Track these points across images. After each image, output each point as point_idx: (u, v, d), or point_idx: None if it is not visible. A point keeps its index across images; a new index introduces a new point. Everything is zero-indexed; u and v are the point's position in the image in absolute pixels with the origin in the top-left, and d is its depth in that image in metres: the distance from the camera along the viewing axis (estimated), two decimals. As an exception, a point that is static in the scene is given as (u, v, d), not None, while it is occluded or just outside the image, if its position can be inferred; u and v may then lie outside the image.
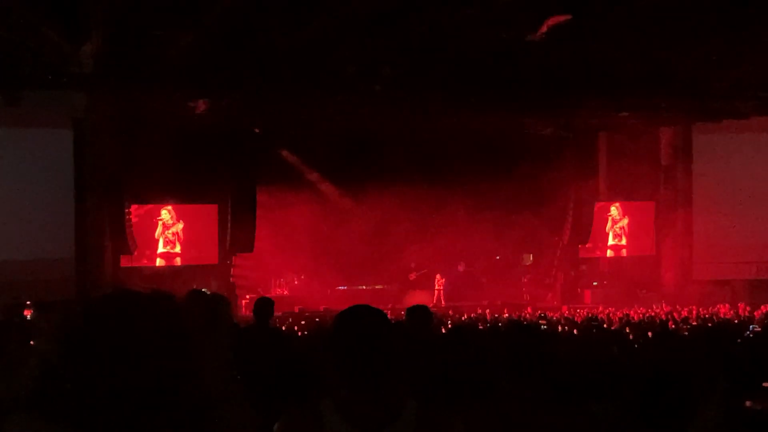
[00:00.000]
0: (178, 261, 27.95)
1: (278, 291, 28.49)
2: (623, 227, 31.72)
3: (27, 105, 21.96)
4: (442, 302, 29.15)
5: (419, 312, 7.89)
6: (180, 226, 27.82)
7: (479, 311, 25.81)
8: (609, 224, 31.74)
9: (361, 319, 3.30)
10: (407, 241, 28.98)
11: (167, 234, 27.74)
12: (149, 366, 1.86)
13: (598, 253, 31.75)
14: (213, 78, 21.35)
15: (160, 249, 27.69)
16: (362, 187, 28.87)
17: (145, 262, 27.17)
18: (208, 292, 9.00)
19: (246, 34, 20.32)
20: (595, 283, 31.47)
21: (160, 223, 27.62)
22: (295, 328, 20.34)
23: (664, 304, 26.92)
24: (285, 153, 28.24)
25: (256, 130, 26.95)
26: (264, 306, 9.13)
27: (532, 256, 31.67)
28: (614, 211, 31.67)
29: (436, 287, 30.03)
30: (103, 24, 19.08)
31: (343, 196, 29.47)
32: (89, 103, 22.42)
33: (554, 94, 23.47)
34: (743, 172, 28.24)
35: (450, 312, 25.78)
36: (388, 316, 3.45)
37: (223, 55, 20.83)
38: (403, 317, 7.79)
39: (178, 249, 27.83)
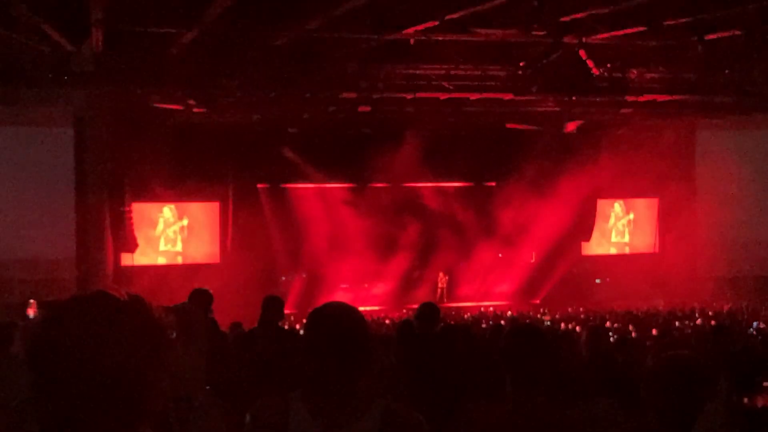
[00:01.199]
0: (179, 259, 27.95)
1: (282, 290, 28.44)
2: (627, 224, 31.69)
3: (27, 104, 21.95)
4: (445, 300, 29.10)
5: (428, 310, 7.85)
6: (182, 223, 27.82)
7: (482, 309, 25.79)
8: (612, 221, 31.72)
9: (332, 316, 3.27)
10: (409, 238, 28.92)
11: (168, 232, 27.73)
12: (106, 371, 1.82)
13: (602, 250, 31.72)
14: (213, 75, 21.30)
15: (162, 247, 27.69)
16: (364, 184, 28.88)
17: (147, 260, 27.16)
18: (210, 291, 8.90)
19: (245, 32, 20.30)
20: (598, 281, 31.43)
21: (161, 220, 27.62)
22: (297, 327, 20.31)
23: (668, 301, 26.88)
24: (286, 150, 28.17)
25: (257, 129, 26.89)
26: (273, 304, 8.80)
27: (535, 254, 31.59)
28: (618, 208, 31.64)
29: (439, 285, 30.00)
30: (104, 22, 19.05)
31: (345, 192, 29.41)
32: (90, 101, 22.38)
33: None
34: (747, 168, 28.18)
35: (452, 312, 25.74)
36: (390, 314, 3.42)
37: (224, 53, 20.81)
38: (406, 316, 7.78)
39: (179, 247, 27.83)
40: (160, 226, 27.45)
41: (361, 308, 3.62)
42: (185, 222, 28.04)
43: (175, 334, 1.82)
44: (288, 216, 28.77)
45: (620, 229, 31.73)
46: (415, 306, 8.20)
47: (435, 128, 26.10)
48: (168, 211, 27.67)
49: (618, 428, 4.47)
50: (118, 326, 1.86)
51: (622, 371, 5.62)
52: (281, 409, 3.18)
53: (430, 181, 29.42)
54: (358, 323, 3.25)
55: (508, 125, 28.14)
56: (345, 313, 3.28)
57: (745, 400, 4.68)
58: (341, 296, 28.27)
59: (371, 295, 29.59)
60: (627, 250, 31.77)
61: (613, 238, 31.71)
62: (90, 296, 1.93)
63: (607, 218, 31.48)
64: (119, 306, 1.91)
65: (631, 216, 31.79)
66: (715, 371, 4.80)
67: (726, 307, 24.38)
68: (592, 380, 5.37)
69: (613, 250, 31.83)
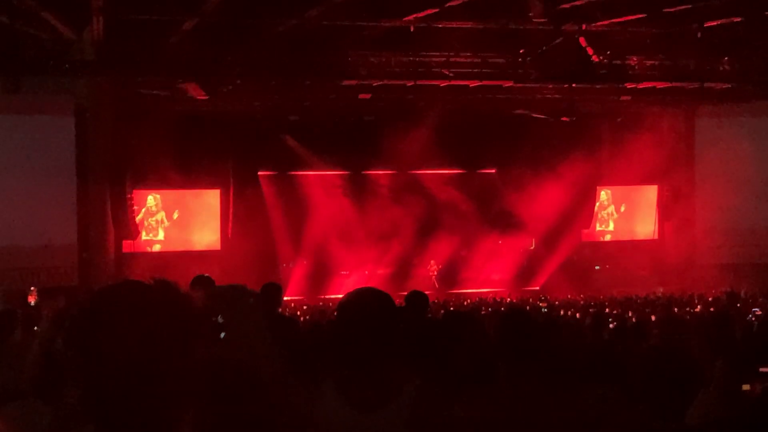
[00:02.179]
0: (157, 247, 27.91)
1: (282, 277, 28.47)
2: (625, 211, 31.72)
3: (28, 92, 21.96)
4: (436, 287, 29.12)
5: (416, 298, 7.90)
6: (165, 213, 27.85)
7: (476, 299, 25.79)
8: (611, 208, 31.74)
9: (364, 301, 3.33)
10: (409, 225, 28.93)
11: (150, 221, 27.75)
12: (153, 356, 1.87)
13: (600, 236, 31.77)
14: (214, 63, 21.32)
15: (160, 236, 27.74)
16: (364, 171, 28.95)
17: (148, 248, 27.22)
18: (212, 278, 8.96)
19: (246, 20, 20.32)
20: (597, 267, 31.49)
21: (143, 210, 27.64)
22: (298, 313, 20.38)
23: (667, 288, 26.93)
24: (287, 138, 28.19)
25: (258, 116, 26.91)
26: (271, 292, 8.88)
27: (534, 241, 31.62)
28: (616, 195, 31.67)
29: (429, 273, 29.99)
30: (104, 10, 19.08)
31: (346, 180, 29.42)
32: (91, 89, 22.41)
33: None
34: (745, 155, 28.16)
35: (452, 299, 25.78)
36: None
37: (225, 41, 20.83)
38: (398, 303, 7.79)
39: (161, 236, 27.88)
40: (140, 216, 27.36)
41: None
42: (175, 215, 28.03)
43: (221, 319, 1.86)
44: (288, 203, 28.79)
45: (619, 216, 31.76)
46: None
47: (435, 115, 26.10)
48: (152, 199, 27.66)
49: (611, 415, 4.53)
50: (154, 314, 1.90)
51: (620, 358, 5.68)
52: (311, 397, 3.21)
53: (431, 168, 29.43)
54: (390, 308, 3.32)
55: (515, 111, 28.14)
56: (375, 298, 3.34)
57: (745, 387, 4.74)
58: (341, 282, 28.39)
59: (371, 281, 29.65)
60: (626, 237, 31.76)
61: (612, 226, 31.76)
62: (123, 285, 1.98)
63: (606, 206, 31.52)
64: (153, 294, 1.95)
65: (630, 204, 31.78)
66: (710, 358, 4.87)
67: (725, 294, 24.41)
68: (588, 367, 5.43)
69: (611, 237, 31.86)
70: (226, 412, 2.92)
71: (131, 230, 25.40)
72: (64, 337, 1.92)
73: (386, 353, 3.25)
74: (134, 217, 25.63)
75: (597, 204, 31.37)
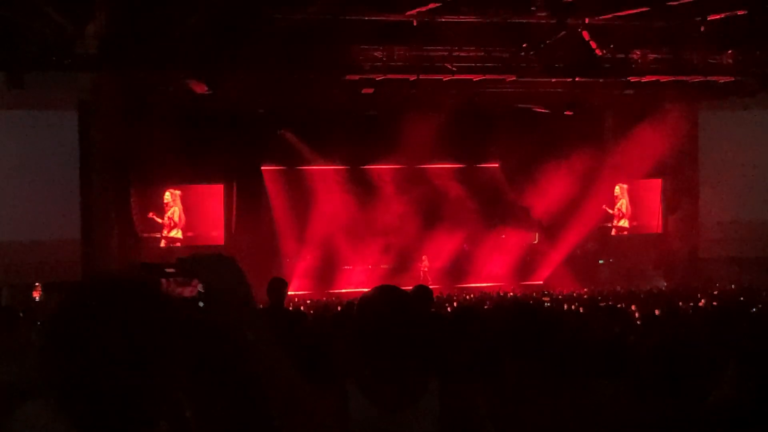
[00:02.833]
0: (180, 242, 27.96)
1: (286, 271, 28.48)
2: (630, 205, 31.70)
3: (32, 87, 21.94)
4: (429, 283, 29.11)
5: (421, 293, 7.90)
6: (177, 210, 27.86)
7: (479, 293, 25.77)
8: (615, 202, 31.73)
9: (385, 299, 3.30)
10: (413, 219, 28.94)
11: (167, 216, 27.79)
12: (129, 350, 1.89)
13: (616, 231, 31.77)
14: (217, 58, 21.32)
15: (165, 232, 27.75)
16: (367, 165, 28.96)
17: (151, 242, 27.22)
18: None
19: (249, 15, 20.30)
20: (601, 261, 31.47)
21: (165, 205, 27.69)
22: (302, 308, 20.38)
23: (671, 282, 26.93)
24: (286, 133, 28.17)
25: (260, 111, 26.92)
26: (278, 286, 8.95)
27: (537, 235, 31.60)
28: (620, 189, 31.64)
29: (422, 268, 29.95)
30: (107, 5, 19.07)
31: (349, 174, 29.41)
32: (94, 84, 22.40)
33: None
34: (749, 149, 28.14)
35: (455, 293, 25.79)
36: None
37: (227, 35, 20.81)
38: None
39: (179, 233, 27.88)
40: (169, 212, 27.47)
41: (364, 289, 3.66)
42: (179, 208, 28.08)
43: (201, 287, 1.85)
44: (292, 198, 28.80)
45: (623, 210, 31.74)
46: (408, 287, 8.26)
47: (438, 110, 26.07)
48: (169, 195, 27.70)
49: (618, 411, 4.52)
50: (131, 306, 1.92)
51: (626, 353, 5.67)
52: (338, 398, 3.20)
53: (434, 163, 29.44)
54: (410, 305, 3.30)
55: (519, 105, 28.11)
56: (396, 296, 3.33)
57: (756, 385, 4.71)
58: (344, 277, 28.43)
59: (374, 275, 29.69)
60: (630, 231, 31.76)
61: (616, 220, 31.76)
62: (101, 279, 1.99)
63: (610, 199, 31.50)
64: (130, 286, 1.97)
65: (634, 197, 31.75)
66: (722, 353, 4.84)
67: (729, 288, 24.41)
68: (595, 362, 5.42)
69: (616, 231, 31.84)
70: (212, 379, 2.91)
71: (135, 225, 25.42)
72: (40, 334, 1.94)
73: (410, 351, 3.23)
74: (137, 212, 25.64)
75: (615, 197, 31.39)
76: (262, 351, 2.12)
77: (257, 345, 2.12)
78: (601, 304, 15.51)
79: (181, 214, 27.95)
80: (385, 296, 3.33)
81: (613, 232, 31.79)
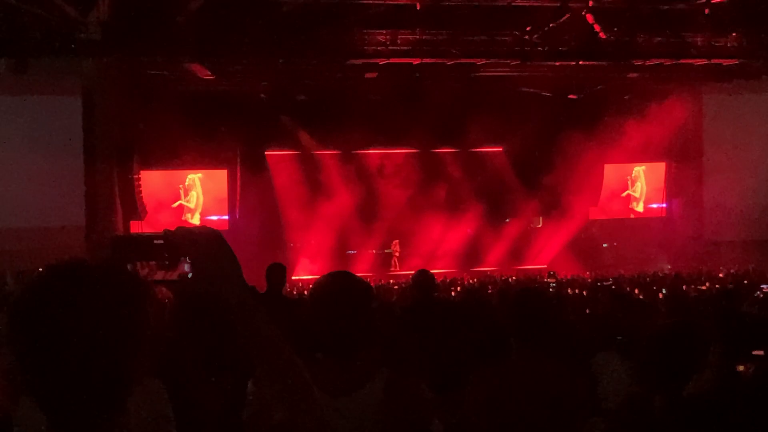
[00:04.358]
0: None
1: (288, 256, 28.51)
2: (633, 188, 31.70)
3: (35, 73, 21.94)
4: (398, 268, 29.09)
5: (422, 278, 7.92)
6: (196, 194, 27.99)
7: (483, 277, 25.80)
8: (618, 186, 31.72)
9: (335, 284, 3.33)
10: (416, 206, 28.96)
11: (185, 200, 27.90)
12: (93, 334, 1.89)
13: (608, 214, 31.76)
14: (220, 43, 21.30)
15: (187, 216, 27.85)
16: (370, 151, 28.97)
17: (155, 228, 27.23)
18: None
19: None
20: (605, 245, 31.48)
21: (181, 189, 27.78)
22: (305, 293, 20.41)
23: (675, 265, 26.92)
24: (285, 119, 28.17)
25: (262, 96, 26.94)
26: (276, 272, 9.00)
27: (542, 219, 31.60)
28: (624, 172, 31.64)
29: (393, 253, 29.94)
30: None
31: (352, 159, 29.39)
32: (98, 69, 22.39)
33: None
34: (753, 132, 28.11)
35: (459, 278, 25.81)
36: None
37: (231, 20, 20.79)
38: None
39: (195, 218, 27.95)
40: (191, 196, 27.62)
41: (368, 274, 3.70)
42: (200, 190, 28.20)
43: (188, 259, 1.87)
44: (296, 183, 28.81)
45: (627, 193, 31.77)
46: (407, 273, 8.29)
47: (442, 94, 26.04)
48: (190, 179, 27.86)
49: (616, 375, 4.55)
50: (93, 292, 1.92)
51: (626, 331, 5.70)
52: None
53: (437, 147, 29.46)
54: (361, 292, 3.32)
55: (522, 89, 28.07)
56: (348, 282, 3.35)
57: (740, 368, 4.74)
58: (349, 262, 28.46)
59: (377, 260, 29.76)
60: (634, 214, 31.79)
61: (620, 203, 31.78)
62: (64, 265, 1.99)
63: (613, 183, 31.49)
64: (94, 272, 1.98)
65: (637, 180, 31.75)
66: (711, 336, 4.88)
67: (733, 271, 24.41)
68: (595, 339, 5.46)
69: (619, 214, 31.86)
70: (198, 346, 2.94)
71: (139, 210, 25.47)
72: (5, 318, 1.95)
73: (358, 340, 3.24)
74: (142, 197, 25.68)
75: (618, 180, 31.42)
76: (248, 321, 2.15)
77: (243, 315, 2.15)
78: (604, 288, 15.52)
79: (199, 198, 28.02)
80: (335, 284, 3.35)
81: (631, 216, 31.80)
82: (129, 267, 2.17)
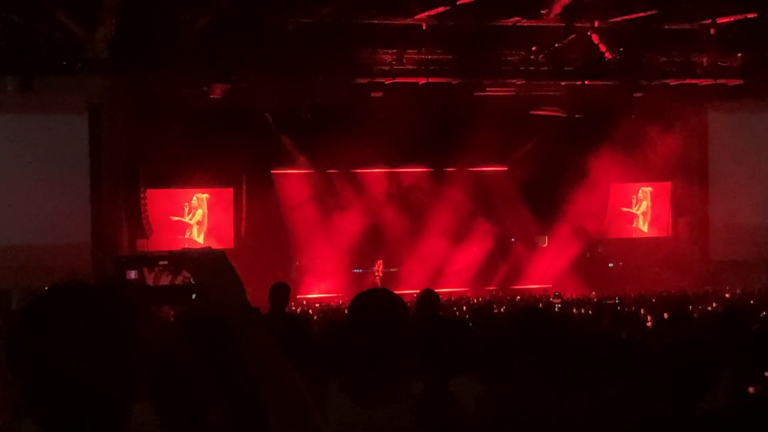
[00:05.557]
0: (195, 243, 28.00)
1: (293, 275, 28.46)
2: (639, 208, 31.66)
3: (42, 91, 22.03)
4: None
5: (427, 296, 7.92)
6: (201, 212, 27.98)
7: (488, 296, 25.71)
8: (624, 205, 31.68)
9: (374, 301, 3.39)
10: (420, 225, 28.93)
11: (187, 217, 27.89)
12: (90, 355, 1.90)
13: (615, 234, 31.70)
14: (227, 62, 21.38)
15: (187, 234, 27.81)
16: (375, 169, 28.99)
17: (161, 246, 27.23)
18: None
19: (258, 18, 20.36)
20: (611, 264, 31.42)
21: (186, 207, 27.80)
22: (310, 311, 20.40)
23: (680, 285, 26.84)
24: (284, 138, 28.22)
25: (267, 115, 27.01)
26: (280, 292, 9.04)
27: (547, 239, 31.54)
28: (629, 192, 31.61)
29: (376, 273, 29.83)
30: (117, 8, 19.15)
31: (358, 178, 29.38)
32: (104, 88, 22.48)
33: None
34: (759, 151, 28.08)
35: (463, 298, 25.77)
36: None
37: (237, 39, 20.87)
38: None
39: (200, 237, 27.95)
40: (196, 215, 27.66)
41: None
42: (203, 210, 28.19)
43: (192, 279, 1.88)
44: (302, 201, 28.79)
45: (633, 212, 31.71)
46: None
47: (447, 113, 26.06)
48: (195, 199, 27.86)
49: (625, 412, 4.52)
50: (91, 314, 1.93)
51: (634, 355, 5.67)
52: (319, 392, 3.28)
53: (443, 166, 29.45)
54: (398, 308, 3.37)
55: (528, 109, 28.09)
56: (386, 298, 3.41)
57: (751, 389, 4.70)
58: (354, 281, 28.43)
59: (385, 279, 29.71)
60: (639, 234, 31.72)
61: (625, 222, 31.71)
62: (63, 286, 2.00)
63: (618, 202, 31.45)
64: (93, 294, 1.99)
65: (643, 200, 31.71)
66: (720, 358, 4.84)
67: (739, 291, 24.34)
68: (604, 364, 5.43)
69: (625, 234, 31.79)
70: (200, 370, 2.94)
71: (145, 229, 25.48)
72: (3, 337, 1.96)
73: (393, 352, 3.28)
74: (147, 216, 25.69)
75: (623, 200, 31.38)
76: (252, 344, 2.15)
77: (245, 336, 2.15)
78: (614, 308, 15.48)
79: (205, 218, 28.02)
80: (373, 298, 3.41)
81: (632, 235, 31.74)
82: (134, 275, 2.17)
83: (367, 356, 3.26)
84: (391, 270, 29.84)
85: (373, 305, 3.36)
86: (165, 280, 2.18)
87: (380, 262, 29.78)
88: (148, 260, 2.21)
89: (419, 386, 3.34)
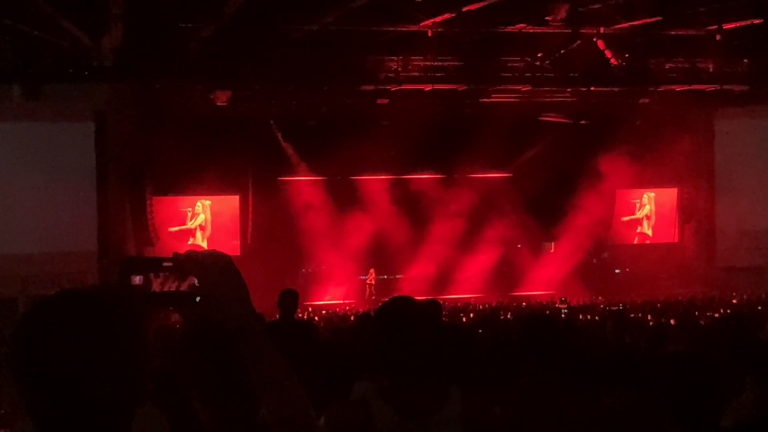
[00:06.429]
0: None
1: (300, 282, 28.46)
2: (646, 214, 31.61)
3: (48, 99, 22.07)
4: (374, 295, 28.92)
5: (430, 305, 7.92)
6: (204, 217, 27.97)
7: (487, 305, 25.69)
8: (631, 211, 31.64)
9: (402, 309, 3.38)
10: (426, 232, 28.93)
11: (190, 224, 27.90)
12: (89, 363, 1.89)
13: (620, 240, 31.65)
14: (233, 69, 21.42)
15: (190, 241, 27.82)
16: (381, 176, 28.98)
17: (168, 254, 27.20)
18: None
19: (264, 26, 20.39)
20: (617, 270, 31.38)
21: (189, 212, 27.81)
22: (316, 318, 20.39)
23: (687, 291, 26.79)
24: (285, 146, 28.26)
25: (271, 122, 27.08)
26: (289, 297, 9.03)
27: (554, 245, 31.52)
28: (636, 197, 31.57)
29: (368, 282, 29.81)
30: (123, 16, 19.19)
31: (366, 185, 29.39)
32: (110, 95, 22.52)
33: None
34: (765, 157, 28.01)
35: (470, 305, 25.72)
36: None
37: (243, 46, 20.91)
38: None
39: (203, 242, 27.93)
40: (198, 219, 27.68)
41: (383, 299, 3.74)
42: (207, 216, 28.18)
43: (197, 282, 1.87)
44: (308, 208, 28.79)
45: (639, 219, 31.64)
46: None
47: (453, 119, 26.07)
48: (200, 205, 27.86)
49: (634, 421, 4.49)
50: (94, 321, 1.92)
51: (641, 362, 5.65)
52: (362, 407, 3.25)
53: (449, 173, 29.43)
54: (429, 315, 3.38)
55: (534, 114, 28.09)
56: (412, 306, 3.41)
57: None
58: (361, 287, 28.44)
59: (388, 286, 29.70)
60: (646, 240, 31.65)
61: (632, 228, 31.65)
62: (65, 292, 1.99)
63: (625, 208, 31.40)
64: (96, 299, 1.98)
65: (649, 206, 31.65)
66: (740, 366, 4.81)
67: (746, 297, 24.28)
68: (609, 371, 5.41)
69: (632, 240, 31.73)
70: (206, 373, 2.93)
71: (151, 236, 25.50)
72: (4, 344, 1.96)
73: (428, 359, 3.27)
74: (154, 223, 25.72)
75: (630, 206, 31.33)
76: (254, 349, 2.15)
77: (249, 341, 2.14)
78: (618, 314, 15.46)
79: (208, 224, 28.02)
80: (402, 306, 3.39)
81: (635, 241, 31.67)
82: (139, 279, 2.16)
83: (404, 366, 3.24)
84: (397, 277, 29.87)
85: (404, 313, 3.35)
86: (172, 287, 2.17)
87: (372, 270, 29.78)
88: (153, 262, 2.20)
89: (456, 392, 3.31)
